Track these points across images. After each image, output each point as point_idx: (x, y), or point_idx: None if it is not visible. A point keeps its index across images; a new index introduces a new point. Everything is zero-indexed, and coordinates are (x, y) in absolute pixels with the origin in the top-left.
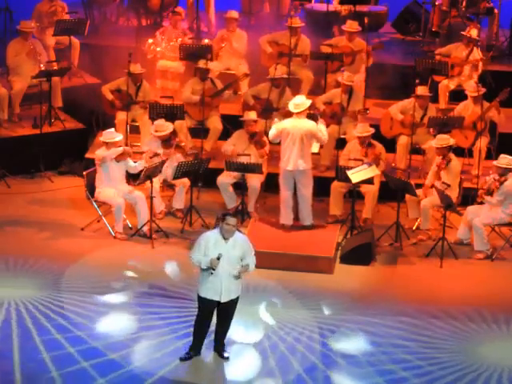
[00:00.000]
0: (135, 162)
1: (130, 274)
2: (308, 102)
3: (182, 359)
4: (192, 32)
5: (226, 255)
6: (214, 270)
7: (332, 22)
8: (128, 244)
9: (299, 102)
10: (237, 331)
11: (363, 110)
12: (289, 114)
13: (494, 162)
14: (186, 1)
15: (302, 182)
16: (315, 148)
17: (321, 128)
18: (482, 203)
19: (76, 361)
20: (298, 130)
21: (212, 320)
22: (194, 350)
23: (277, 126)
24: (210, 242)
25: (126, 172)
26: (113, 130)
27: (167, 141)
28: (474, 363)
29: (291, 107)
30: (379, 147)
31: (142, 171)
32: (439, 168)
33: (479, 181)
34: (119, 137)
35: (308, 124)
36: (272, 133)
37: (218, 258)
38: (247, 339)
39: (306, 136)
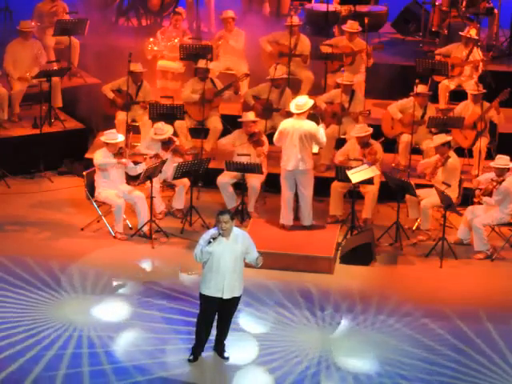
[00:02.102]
0: (135, 164)
1: (130, 274)
2: (310, 103)
3: (189, 360)
4: (192, 32)
5: (228, 252)
6: (213, 239)
7: (332, 22)
8: (128, 244)
9: (301, 102)
10: (236, 331)
11: (365, 112)
12: (290, 115)
13: (491, 163)
14: (186, 1)
15: (303, 182)
16: (315, 148)
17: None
18: (479, 203)
19: (76, 363)
20: (297, 130)
21: (214, 319)
22: (197, 350)
23: (279, 128)
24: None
25: (126, 173)
26: (114, 130)
27: (166, 143)
28: (472, 363)
29: (292, 107)
30: (377, 146)
31: (141, 173)
32: (436, 165)
33: (474, 181)
34: (120, 138)
35: (308, 125)
36: (275, 136)
37: (214, 238)
38: (247, 339)
39: (306, 136)
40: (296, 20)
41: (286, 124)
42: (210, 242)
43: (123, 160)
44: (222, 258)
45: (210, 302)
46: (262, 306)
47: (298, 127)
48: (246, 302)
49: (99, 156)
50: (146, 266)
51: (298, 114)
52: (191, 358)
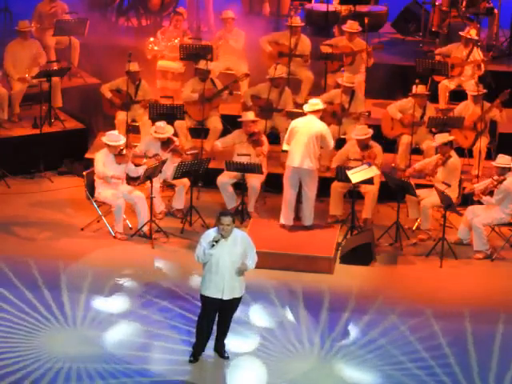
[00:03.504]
0: (136, 166)
1: (130, 274)
2: (322, 105)
3: (190, 361)
4: (192, 32)
5: (227, 253)
6: (216, 242)
7: (332, 22)
8: (128, 244)
9: (314, 102)
10: (236, 331)
11: (366, 113)
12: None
13: (493, 163)
14: (186, 0)
15: (307, 181)
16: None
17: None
18: (479, 201)
19: (76, 362)
20: (307, 129)
21: (215, 320)
22: (197, 350)
23: (289, 127)
24: (211, 240)
25: (126, 173)
26: (116, 132)
27: (166, 143)
28: (472, 363)
29: (306, 107)
30: (377, 149)
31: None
32: (437, 164)
33: (478, 182)
34: (123, 140)
35: (319, 125)
36: (286, 136)
37: (217, 241)
38: (246, 339)
39: (316, 137)
40: (297, 21)
41: (297, 122)
42: (213, 246)
43: (120, 175)
44: (220, 259)
45: (210, 302)
46: (261, 306)
47: (309, 126)
48: (246, 303)
49: (99, 161)
50: (146, 266)
51: (311, 112)
52: (191, 358)
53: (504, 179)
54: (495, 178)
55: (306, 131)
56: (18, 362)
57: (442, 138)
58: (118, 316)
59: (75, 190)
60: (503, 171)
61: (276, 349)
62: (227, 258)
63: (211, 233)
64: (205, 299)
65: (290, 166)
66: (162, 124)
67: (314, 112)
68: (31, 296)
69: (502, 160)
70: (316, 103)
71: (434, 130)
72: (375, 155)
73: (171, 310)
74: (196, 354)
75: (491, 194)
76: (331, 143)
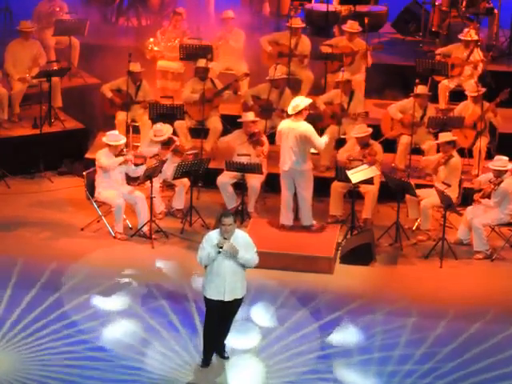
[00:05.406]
0: (136, 166)
1: (130, 274)
2: (306, 102)
3: (202, 366)
4: (192, 32)
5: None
6: (221, 248)
7: (332, 22)
8: (128, 244)
9: (295, 103)
10: (236, 331)
11: (364, 113)
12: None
13: (489, 165)
14: (186, 0)
15: (300, 182)
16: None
17: (323, 140)
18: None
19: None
20: (292, 131)
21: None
22: (207, 354)
23: (278, 128)
24: (213, 242)
25: (126, 173)
26: (117, 132)
27: (166, 143)
28: (474, 364)
29: (289, 110)
30: (377, 147)
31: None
32: (439, 163)
33: (475, 181)
34: (123, 140)
35: (304, 127)
36: (276, 137)
37: (221, 247)
38: (246, 340)
39: (301, 138)
40: (298, 22)
41: (283, 125)
42: (219, 252)
43: (128, 157)
44: (221, 261)
45: (212, 304)
46: (261, 306)
47: (293, 128)
48: (246, 303)
49: (102, 157)
50: (146, 266)
51: (294, 116)
52: (202, 364)
53: (501, 181)
54: (492, 180)
55: (290, 134)
56: None
57: (446, 136)
58: (117, 316)
59: (75, 190)
60: (499, 173)
61: (276, 349)
62: (228, 260)
63: (213, 235)
64: (207, 301)
65: (281, 169)
66: (159, 126)
67: (297, 114)
68: (31, 296)
69: (499, 163)
70: (297, 105)
71: (432, 130)
72: (375, 152)
73: (171, 310)
74: (207, 359)
75: (489, 196)
76: (319, 143)
